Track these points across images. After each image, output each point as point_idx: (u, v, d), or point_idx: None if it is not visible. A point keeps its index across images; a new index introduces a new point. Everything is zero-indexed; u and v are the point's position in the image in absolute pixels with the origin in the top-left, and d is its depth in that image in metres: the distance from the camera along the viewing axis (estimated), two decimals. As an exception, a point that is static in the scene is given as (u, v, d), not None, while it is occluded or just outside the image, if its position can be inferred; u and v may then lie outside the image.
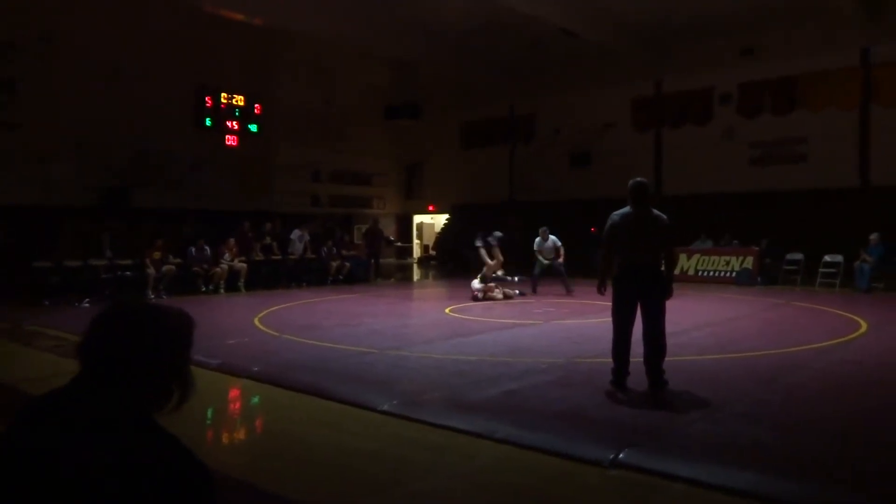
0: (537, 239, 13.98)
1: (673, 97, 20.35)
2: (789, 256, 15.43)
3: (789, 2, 16.12)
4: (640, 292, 5.58)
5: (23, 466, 1.22)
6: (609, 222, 5.75)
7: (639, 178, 5.78)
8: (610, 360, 5.72)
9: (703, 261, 16.60)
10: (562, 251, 13.70)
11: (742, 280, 15.46)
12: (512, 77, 22.78)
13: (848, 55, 16.96)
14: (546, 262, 13.70)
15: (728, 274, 16.01)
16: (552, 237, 13.85)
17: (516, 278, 13.98)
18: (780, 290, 14.45)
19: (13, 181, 15.47)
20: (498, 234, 13.22)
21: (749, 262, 15.75)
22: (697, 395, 5.45)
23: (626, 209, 5.70)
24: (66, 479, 1.18)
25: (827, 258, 14.78)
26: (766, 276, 15.43)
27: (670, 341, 5.64)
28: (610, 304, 5.79)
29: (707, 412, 4.99)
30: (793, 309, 11.44)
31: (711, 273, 16.34)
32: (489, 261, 12.70)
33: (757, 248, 15.82)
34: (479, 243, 13.03)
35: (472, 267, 13.94)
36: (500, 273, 13.26)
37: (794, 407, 5.24)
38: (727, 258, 16.21)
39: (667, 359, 5.54)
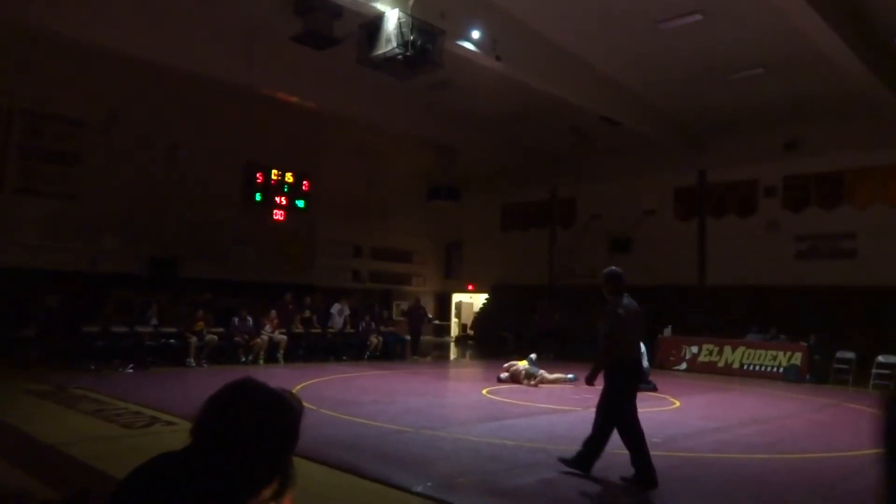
0: None
1: (716, 188, 20.36)
2: (840, 354, 14.88)
3: (834, 97, 16.22)
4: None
5: None
6: (617, 312, 5.71)
7: (615, 267, 5.85)
8: (652, 452, 5.53)
9: (749, 355, 16.12)
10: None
11: (790, 377, 14.92)
12: (552, 162, 23.17)
13: (894, 152, 16.82)
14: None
15: (775, 369, 15.48)
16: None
17: (570, 375, 12.75)
18: (830, 389, 13.86)
19: (66, 248, 16.11)
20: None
21: (797, 358, 15.22)
22: (744, 495, 5.20)
23: (627, 301, 5.74)
24: None
25: (881, 359, 14.21)
26: (816, 373, 14.86)
27: (715, 436, 5.46)
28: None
29: (756, 515, 4.76)
30: (845, 410, 10.95)
31: (757, 368, 15.83)
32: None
33: (805, 345, 15.32)
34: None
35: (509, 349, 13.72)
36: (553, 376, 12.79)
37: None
38: (774, 353, 15.72)
39: (712, 455, 5.35)
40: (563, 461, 5.63)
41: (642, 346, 12.11)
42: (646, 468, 5.37)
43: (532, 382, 12.12)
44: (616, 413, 5.58)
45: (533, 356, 12.90)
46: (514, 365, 12.58)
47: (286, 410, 1.40)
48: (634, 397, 5.67)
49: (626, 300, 5.74)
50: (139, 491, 1.30)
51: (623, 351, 5.63)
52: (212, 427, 1.34)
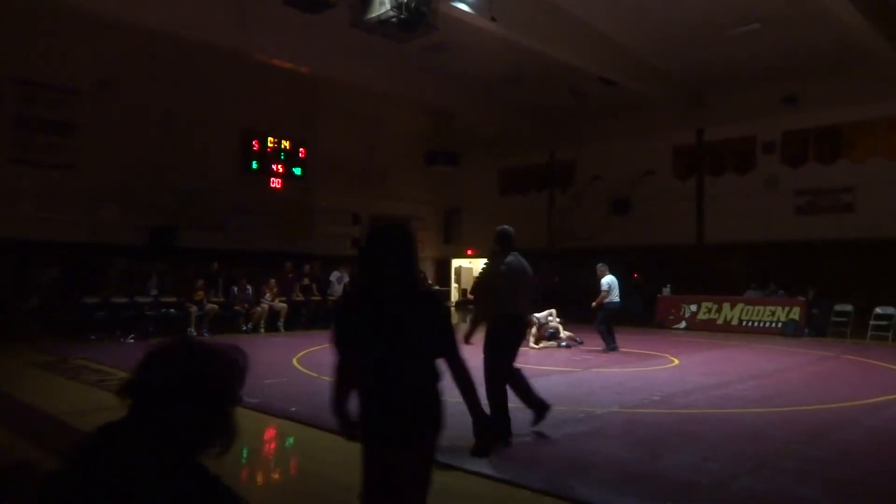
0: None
1: (715, 145, 20.19)
2: (838, 307, 14.97)
3: (832, 51, 15.98)
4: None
5: None
6: (499, 268, 5.73)
7: (506, 226, 5.89)
8: (651, 410, 5.59)
9: (748, 311, 16.21)
10: (600, 295, 12.01)
11: (788, 331, 15.03)
12: (550, 124, 22.95)
13: (892, 105, 16.66)
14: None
15: (774, 325, 15.59)
16: (605, 278, 12.09)
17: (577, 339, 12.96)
18: (828, 342, 13.99)
19: (64, 219, 16.01)
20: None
21: (796, 312, 15.32)
22: (742, 449, 5.27)
23: (513, 258, 5.71)
24: None
25: (878, 310, 14.30)
26: (814, 327, 14.97)
27: (714, 392, 5.50)
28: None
29: (752, 467, 4.81)
30: (843, 362, 11.04)
31: (756, 323, 15.93)
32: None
33: (803, 299, 15.40)
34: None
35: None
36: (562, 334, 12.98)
37: (846, 465, 5.01)
38: (772, 308, 15.81)
39: (710, 410, 5.39)
40: (534, 427, 5.76)
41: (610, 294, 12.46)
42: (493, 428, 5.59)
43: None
44: (490, 364, 5.58)
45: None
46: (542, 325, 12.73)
47: (223, 364, 1.37)
48: (513, 353, 5.72)
49: (512, 258, 5.72)
50: (81, 469, 1.29)
51: (503, 306, 5.64)
52: (149, 387, 1.32)
